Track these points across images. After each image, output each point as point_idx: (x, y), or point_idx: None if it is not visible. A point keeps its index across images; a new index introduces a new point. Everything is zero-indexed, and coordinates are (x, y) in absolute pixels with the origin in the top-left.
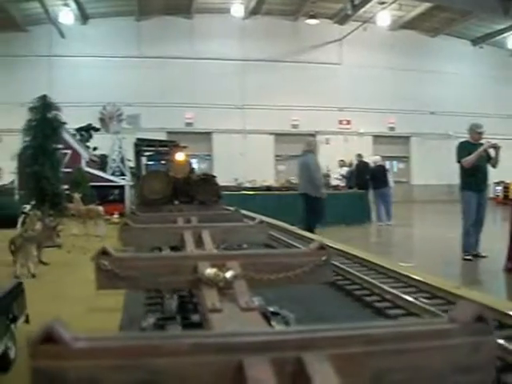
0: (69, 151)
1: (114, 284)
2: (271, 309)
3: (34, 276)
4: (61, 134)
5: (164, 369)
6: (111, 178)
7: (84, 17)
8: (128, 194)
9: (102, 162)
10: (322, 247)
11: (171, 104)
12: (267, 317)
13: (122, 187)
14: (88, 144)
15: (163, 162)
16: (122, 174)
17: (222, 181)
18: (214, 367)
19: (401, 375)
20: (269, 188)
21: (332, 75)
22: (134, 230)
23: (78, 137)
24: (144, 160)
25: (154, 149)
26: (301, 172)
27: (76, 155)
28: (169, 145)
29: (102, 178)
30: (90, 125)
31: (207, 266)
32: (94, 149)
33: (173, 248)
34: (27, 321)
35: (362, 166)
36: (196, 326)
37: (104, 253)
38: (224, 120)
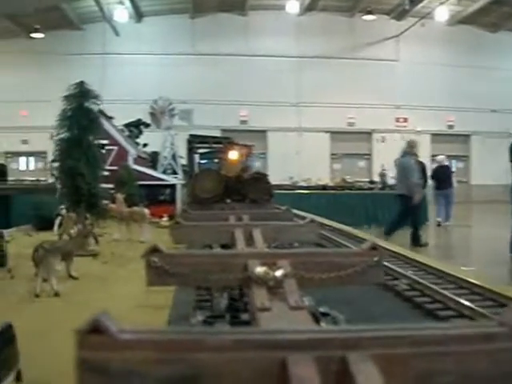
0: (115, 147)
1: (163, 281)
2: (321, 309)
3: (56, 294)
4: (100, 125)
5: (206, 364)
6: (161, 176)
7: (138, 15)
8: (179, 193)
9: (153, 160)
10: (374, 247)
11: (226, 101)
12: (317, 317)
13: (172, 186)
14: (138, 140)
15: (216, 160)
16: (174, 172)
17: (276, 179)
18: (257, 364)
19: (446, 378)
20: (324, 187)
21: (389, 72)
22: (185, 227)
23: (127, 133)
24: (197, 158)
25: (208, 146)
26: (399, 173)
27: (122, 152)
28: (223, 142)
29: (151, 176)
30: (139, 120)
31: (257, 264)
32: (145, 145)
33: (223, 246)
34: (19, 378)
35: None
36: (244, 325)
37: (155, 250)
38: (279, 118)
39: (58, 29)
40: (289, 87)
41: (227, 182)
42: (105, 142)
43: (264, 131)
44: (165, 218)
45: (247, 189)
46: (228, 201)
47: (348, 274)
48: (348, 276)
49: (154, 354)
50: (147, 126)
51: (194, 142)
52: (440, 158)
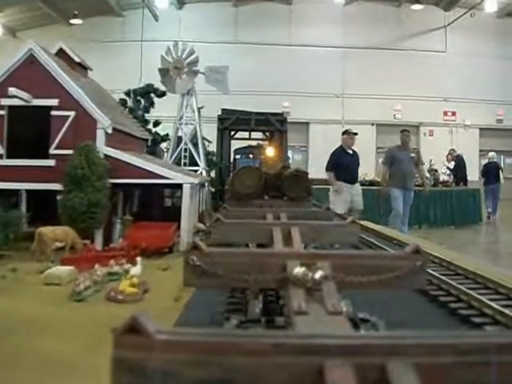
0: (70, 113)
1: (200, 281)
2: (360, 315)
3: None
4: None
5: (242, 368)
6: (157, 170)
7: (180, 1)
8: (187, 201)
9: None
10: (418, 251)
11: (267, 92)
12: (356, 323)
13: (178, 188)
14: (148, 117)
15: (251, 155)
16: (195, 163)
17: (318, 173)
18: (294, 369)
19: None
20: (372, 183)
21: (436, 63)
22: (224, 225)
23: (130, 103)
24: (230, 144)
25: (248, 127)
26: None
27: (85, 121)
28: (271, 119)
29: (140, 169)
30: (150, 86)
31: (296, 264)
32: (156, 124)
33: (260, 245)
34: None
35: (457, 161)
36: (280, 329)
37: (195, 247)
38: (322, 109)
39: (98, 15)
40: (333, 78)
41: (266, 179)
42: (52, 102)
43: (306, 123)
44: (136, 268)
45: (286, 186)
46: (266, 197)
47: (389, 278)
48: (389, 280)
49: (190, 356)
50: (161, 94)
51: (228, 119)
52: (490, 154)
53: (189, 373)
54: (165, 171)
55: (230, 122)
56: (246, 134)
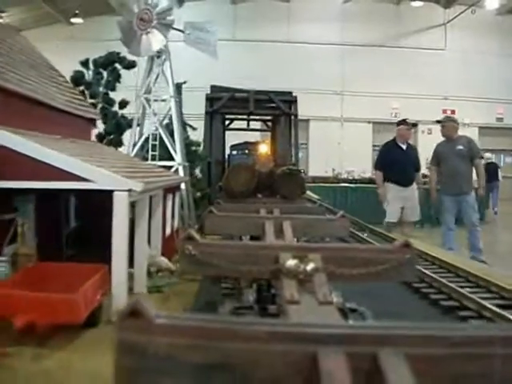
0: None
1: (196, 269)
2: (348, 305)
3: None
4: None
5: (238, 354)
6: (68, 166)
7: (180, 0)
8: (123, 224)
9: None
10: (407, 245)
11: (267, 89)
12: (345, 313)
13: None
14: (110, 95)
15: (247, 151)
16: (169, 156)
17: (318, 171)
18: (289, 356)
19: (481, 381)
20: (371, 180)
21: (436, 61)
22: (217, 217)
23: (89, 77)
24: (224, 133)
25: (247, 111)
26: None
27: None
28: (275, 99)
29: (42, 164)
30: (113, 54)
31: (289, 257)
32: (123, 105)
33: (253, 238)
34: None
35: None
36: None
37: (190, 238)
38: (321, 107)
39: (98, 14)
40: (331, 75)
41: (259, 177)
42: None
43: (306, 120)
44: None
45: (279, 184)
46: (259, 196)
47: (378, 270)
48: (378, 273)
49: (188, 340)
50: (129, 65)
51: (219, 99)
52: (487, 155)
53: (187, 356)
54: (84, 168)
55: (222, 102)
56: (243, 124)
